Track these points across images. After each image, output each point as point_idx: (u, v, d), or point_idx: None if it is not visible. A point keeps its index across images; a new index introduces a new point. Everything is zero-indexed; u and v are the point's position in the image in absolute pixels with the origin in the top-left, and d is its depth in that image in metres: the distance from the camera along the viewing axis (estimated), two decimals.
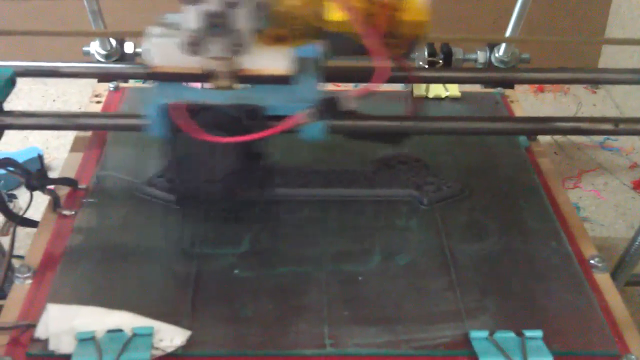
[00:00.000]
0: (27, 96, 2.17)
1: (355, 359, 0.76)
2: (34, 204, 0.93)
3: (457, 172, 1.04)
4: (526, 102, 2.28)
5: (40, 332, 0.75)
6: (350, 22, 0.77)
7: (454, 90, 1.25)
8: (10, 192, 1.69)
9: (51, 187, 0.95)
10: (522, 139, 1.14)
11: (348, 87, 1.17)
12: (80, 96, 2.19)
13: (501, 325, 0.79)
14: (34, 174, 0.92)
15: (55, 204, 0.94)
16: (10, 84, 0.92)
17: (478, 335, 0.77)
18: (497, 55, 1.45)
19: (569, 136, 2.05)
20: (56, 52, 1.66)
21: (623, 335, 0.80)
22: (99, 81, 1.24)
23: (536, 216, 0.97)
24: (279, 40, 0.81)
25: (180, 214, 0.95)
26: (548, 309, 0.83)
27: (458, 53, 1.41)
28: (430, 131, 0.98)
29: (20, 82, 0.95)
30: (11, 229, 0.92)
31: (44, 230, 0.91)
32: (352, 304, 0.82)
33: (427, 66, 1.37)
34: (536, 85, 2.32)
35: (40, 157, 1.80)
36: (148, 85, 1.29)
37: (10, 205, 0.95)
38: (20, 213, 0.94)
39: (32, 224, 0.95)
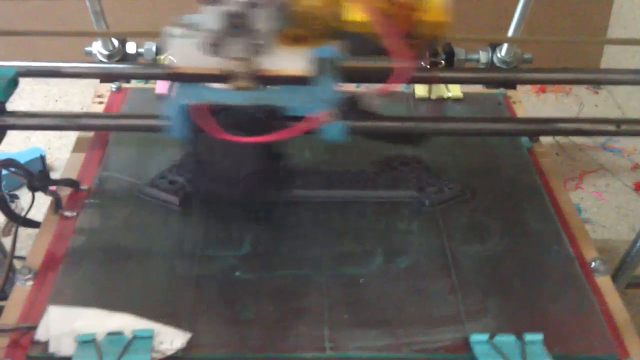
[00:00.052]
0: (29, 96, 2.17)
1: None
2: (36, 204, 0.93)
3: (458, 174, 1.04)
4: (528, 102, 2.27)
5: (40, 334, 0.75)
6: (370, 22, 0.76)
7: (456, 91, 1.25)
8: (12, 192, 1.69)
9: (53, 188, 0.95)
10: (524, 140, 1.14)
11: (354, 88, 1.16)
12: (83, 96, 2.19)
13: (501, 328, 0.79)
14: (36, 175, 0.92)
15: (57, 205, 0.94)
16: (13, 84, 0.92)
17: (478, 338, 0.77)
18: (499, 55, 1.45)
19: (570, 137, 2.04)
20: (58, 52, 1.66)
21: (623, 339, 0.80)
22: (101, 81, 1.24)
23: (538, 218, 0.97)
24: (297, 40, 0.81)
25: (182, 215, 0.95)
26: (548, 312, 0.83)
27: (460, 53, 1.41)
28: (449, 132, 0.99)
29: (23, 82, 0.95)
30: (13, 230, 0.92)
31: (46, 231, 0.92)
32: (353, 307, 0.82)
33: (428, 66, 1.36)
34: (538, 86, 2.32)
35: (42, 158, 1.82)
36: (150, 85, 1.29)
37: (12, 206, 0.95)
38: (22, 213, 0.94)
39: (34, 224, 0.95)
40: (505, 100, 1.26)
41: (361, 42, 0.79)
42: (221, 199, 0.96)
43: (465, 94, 1.25)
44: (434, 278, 0.87)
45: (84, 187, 0.99)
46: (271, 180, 0.94)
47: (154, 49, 1.41)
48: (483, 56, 1.44)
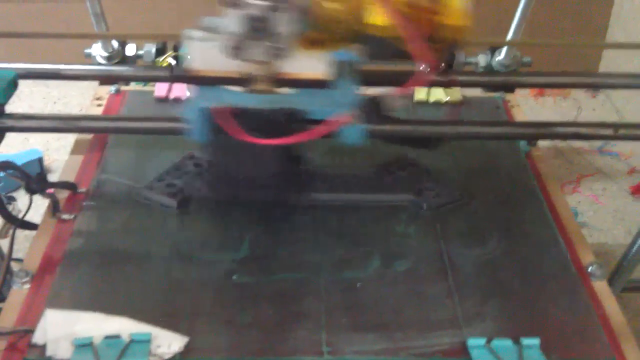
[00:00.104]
0: (28, 98, 2.17)
1: None
2: (33, 206, 0.93)
3: (456, 178, 1.04)
4: (526, 105, 2.28)
5: (38, 337, 0.75)
6: (391, 26, 0.76)
7: (454, 94, 1.25)
8: (9, 194, 1.69)
9: (51, 190, 0.95)
10: (522, 144, 1.14)
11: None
12: (82, 98, 2.19)
13: (499, 333, 0.79)
14: (34, 178, 0.92)
15: (54, 208, 0.94)
16: (13, 86, 0.92)
17: (475, 342, 0.77)
18: (498, 59, 1.45)
19: (568, 141, 2.05)
20: (58, 54, 1.66)
21: (620, 343, 0.80)
22: (100, 84, 1.24)
23: (535, 222, 0.98)
24: (317, 44, 0.81)
25: (180, 218, 0.95)
26: (545, 316, 0.83)
27: (460, 57, 1.41)
28: (469, 137, 1.01)
29: (22, 84, 0.95)
30: (10, 232, 0.92)
31: (43, 234, 0.92)
32: (351, 311, 0.82)
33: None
34: (536, 89, 2.32)
35: (40, 161, 1.82)
36: (149, 88, 1.29)
37: (10, 208, 0.95)
38: (19, 215, 0.94)
39: (31, 226, 0.95)
40: (504, 104, 1.26)
41: (381, 45, 0.79)
42: (240, 202, 0.97)
43: (464, 97, 1.25)
44: (431, 282, 0.87)
45: (81, 189, 0.99)
46: (291, 183, 0.95)
47: (153, 51, 1.41)
48: (482, 59, 1.45)
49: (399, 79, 0.84)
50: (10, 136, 0.95)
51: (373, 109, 0.83)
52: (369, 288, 0.85)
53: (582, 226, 1.47)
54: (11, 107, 0.93)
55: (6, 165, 0.90)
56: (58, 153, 1.92)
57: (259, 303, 0.82)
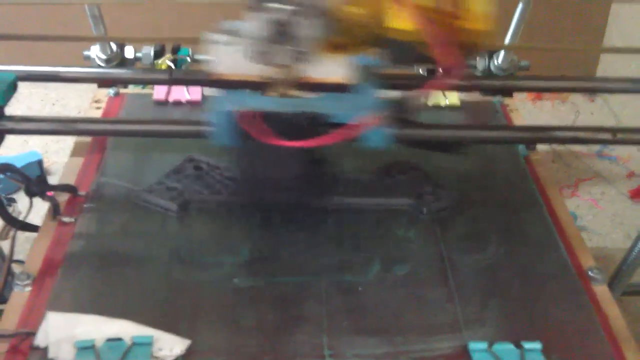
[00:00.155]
0: (26, 100, 2.17)
1: None
2: (33, 208, 0.92)
3: (456, 182, 1.04)
4: (524, 109, 2.28)
5: (39, 340, 0.75)
6: (414, 30, 0.76)
7: (453, 98, 1.25)
8: (9, 195, 1.69)
9: (51, 193, 0.95)
10: (521, 148, 1.14)
11: None
12: (80, 100, 2.19)
13: (500, 337, 0.79)
14: (34, 181, 0.92)
15: (55, 211, 0.94)
16: (12, 88, 0.92)
17: (477, 346, 0.77)
18: (496, 62, 1.45)
19: (566, 144, 2.05)
20: (56, 56, 1.66)
21: (621, 348, 0.80)
22: (99, 86, 1.24)
23: (535, 226, 0.98)
24: (339, 48, 0.81)
25: (180, 222, 0.95)
26: (546, 320, 0.83)
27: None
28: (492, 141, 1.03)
29: (21, 85, 0.95)
30: (10, 234, 0.92)
31: (44, 236, 0.91)
32: (352, 314, 0.82)
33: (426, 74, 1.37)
34: (534, 93, 2.32)
35: (39, 163, 1.82)
36: (148, 91, 1.29)
37: (10, 209, 0.95)
38: (20, 217, 0.94)
39: (32, 228, 0.95)
40: (502, 109, 1.26)
41: (403, 49, 0.79)
42: (264, 205, 0.97)
43: (462, 102, 1.25)
44: (432, 286, 0.87)
45: (81, 192, 0.99)
46: (314, 185, 0.96)
47: (151, 53, 1.41)
48: (480, 63, 1.45)
49: (419, 84, 0.84)
50: (9, 138, 0.95)
51: (398, 110, 0.82)
52: (370, 292, 0.85)
53: (581, 230, 1.48)
54: (10, 108, 0.92)
55: (6, 168, 0.90)
56: (57, 155, 1.92)
57: (260, 306, 0.82)
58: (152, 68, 1.37)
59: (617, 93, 2.06)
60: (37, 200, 0.93)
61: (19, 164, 1.68)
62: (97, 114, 1.19)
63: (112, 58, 1.40)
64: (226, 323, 0.80)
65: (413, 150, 1.00)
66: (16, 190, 1.71)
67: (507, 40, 1.43)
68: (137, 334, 0.76)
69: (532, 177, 1.08)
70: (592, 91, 2.22)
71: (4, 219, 0.90)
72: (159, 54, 1.43)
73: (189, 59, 1.44)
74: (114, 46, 1.40)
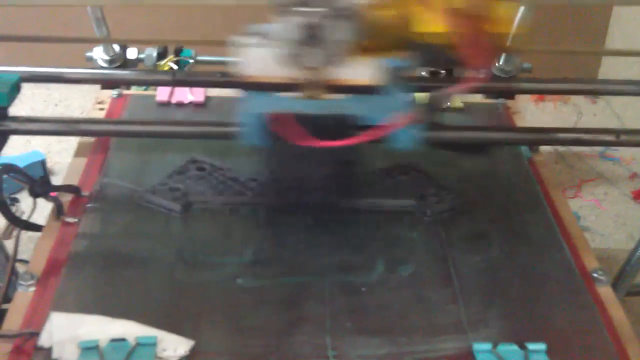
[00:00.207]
0: (29, 100, 2.17)
1: None
2: (36, 207, 0.93)
3: (459, 183, 1.04)
4: (526, 111, 2.28)
5: (43, 340, 0.75)
6: (443, 33, 0.76)
7: (456, 101, 1.25)
8: (12, 195, 1.69)
9: (54, 193, 0.95)
10: (525, 149, 1.14)
11: None
12: (83, 100, 2.19)
13: (504, 338, 0.79)
14: (38, 181, 0.92)
15: (58, 211, 0.94)
16: (16, 89, 0.92)
17: (481, 347, 0.77)
18: (498, 64, 1.45)
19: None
20: (59, 57, 1.66)
21: (625, 348, 0.80)
22: (102, 88, 1.24)
23: (539, 228, 0.98)
24: (368, 51, 0.81)
25: (184, 222, 0.95)
26: (551, 321, 0.83)
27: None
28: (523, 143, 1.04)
29: (24, 86, 0.95)
30: (14, 233, 0.92)
31: (47, 237, 0.91)
32: (355, 315, 0.82)
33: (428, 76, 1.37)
34: (536, 95, 2.32)
35: (42, 163, 1.81)
36: (150, 92, 1.29)
37: (13, 209, 0.95)
38: (23, 216, 0.94)
39: (36, 228, 0.95)
40: (505, 111, 1.26)
41: (431, 52, 0.80)
42: (292, 207, 0.98)
43: (465, 103, 1.25)
44: (436, 287, 0.87)
45: (85, 193, 0.99)
46: (343, 187, 0.97)
47: (154, 55, 1.42)
48: None
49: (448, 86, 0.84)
50: (12, 138, 0.95)
51: (427, 110, 0.82)
52: (374, 293, 0.85)
53: (584, 231, 1.48)
54: (13, 109, 0.93)
55: (10, 169, 0.90)
56: (60, 156, 1.93)
57: (263, 307, 0.82)
58: (155, 69, 1.38)
59: (619, 95, 2.05)
60: (40, 200, 0.93)
61: (21, 164, 1.68)
62: (100, 115, 1.19)
63: (114, 59, 1.40)
64: (230, 323, 0.80)
65: (415, 151, 1.01)
66: (19, 190, 1.70)
67: (508, 42, 1.43)
68: (141, 334, 0.76)
69: (535, 178, 1.08)
70: (594, 94, 2.22)
71: (8, 218, 0.90)
72: (161, 55, 1.43)
73: (191, 61, 1.45)
74: (116, 47, 1.40)
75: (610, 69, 2.39)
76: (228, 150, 1.07)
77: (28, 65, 1.05)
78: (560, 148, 2.06)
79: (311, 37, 0.76)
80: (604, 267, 0.91)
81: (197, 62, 1.48)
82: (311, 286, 0.86)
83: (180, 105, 1.21)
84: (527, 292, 0.87)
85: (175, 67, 1.44)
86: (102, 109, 1.21)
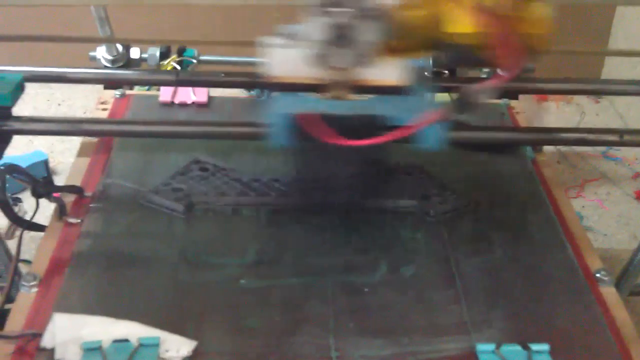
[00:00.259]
0: (32, 100, 2.18)
1: None
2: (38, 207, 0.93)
3: (462, 184, 1.04)
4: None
5: (46, 341, 0.75)
6: (474, 33, 0.76)
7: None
8: (14, 195, 1.70)
9: (57, 194, 0.95)
10: (528, 150, 1.14)
11: None
12: (86, 100, 2.19)
13: (507, 338, 0.79)
14: (41, 182, 0.92)
15: (61, 212, 0.94)
16: (20, 89, 0.92)
17: (484, 348, 0.77)
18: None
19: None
20: (56, 56, 1.66)
21: (629, 349, 0.80)
22: (105, 87, 1.24)
23: (542, 228, 0.97)
24: (396, 51, 0.81)
25: (186, 223, 0.95)
26: (554, 322, 0.83)
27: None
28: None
29: (27, 85, 0.95)
30: (16, 233, 0.92)
31: (50, 237, 0.91)
32: (358, 316, 0.82)
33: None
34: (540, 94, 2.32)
35: (45, 163, 1.82)
36: (154, 92, 1.29)
37: (15, 209, 0.95)
38: (25, 217, 0.94)
39: (39, 228, 0.95)
40: (509, 111, 1.26)
41: (459, 52, 0.79)
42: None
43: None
44: (439, 287, 0.86)
45: (88, 193, 0.99)
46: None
47: (157, 54, 1.42)
48: None
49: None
50: (14, 138, 0.95)
51: (463, 102, 0.82)
52: (377, 293, 0.85)
53: (586, 230, 1.48)
54: (15, 108, 0.93)
55: (13, 169, 0.90)
56: (63, 155, 1.93)
57: (266, 307, 0.82)
58: (159, 69, 1.38)
59: (622, 95, 2.05)
60: (43, 200, 0.93)
61: (24, 164, 1.68)
62: (103, 115, 1.19)
63: (118, 59, 1.41)
64: (233, 324, 0.80)
65: (417, 152, 1.00)
66: (22, 190, 1.71)
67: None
68: (144, 335, 0.76)
69: (538, 178, 1.08)
70: (597, 94, 2.21)
71: (10, 218, 0.90)
72: (164, 55, 1.44)
73: (194, 61, 1.45)
74: (119, 47, 1.41)
75: (614, 69, 2.38)
76: (231, 150, 1.08)
77: (31, 65, 1.05)
78: (563, 148, 2.06)
79: (340, 37, 0.76)
80: (607, 267, 0.91)
81: (200, 61, 1.48)
82: (314, 287, 0.86)
83: (183, 105, 1.21)
84: (530, 292, 0.87)
85: (178, 67, 1.44)
86: (105, 109, 1.20)
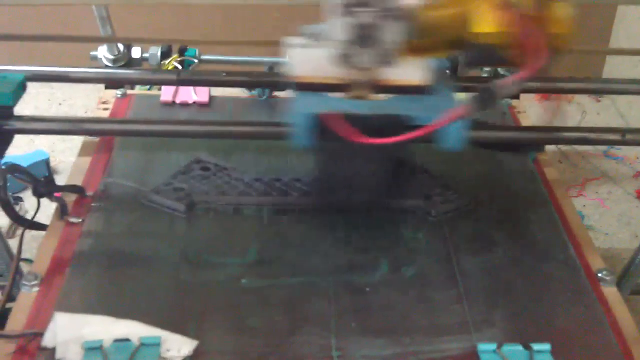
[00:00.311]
0: (34, 100, 2.18)
1: None
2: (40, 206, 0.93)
3: (464, 183, 1.04)
4: (531, 109, 2.27)
5: (47, 341, 0.75)
6: (499, 32, 0.76)
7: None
8: (16, 194, 1.70)
9: (59, 194, 0.95)
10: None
11: None
12: (87, 100, 2.19)
13: (509, 338, 0.79)
14: (42, 182, 0.92)
15: (62, 211, 0.94)
16: (22, 89, 0.92)
17: (486, 348, 0.76)
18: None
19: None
20: (56, 56, 1.66)
21: (631, 349, 0.80)
22: (106, 87, 1.24)
23: (544, 228, 0.97)
24: (419, 51, 0.81)
25: (188, 223, 0.95)
26: (556, 322, 0.83)
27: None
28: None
29: (28, 85, 0.95)
30: (18, 232, 0.92)
31: (52, 237, 0.91)
32: (360, 315, 0.82)
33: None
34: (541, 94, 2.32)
35: (47, 162, 1.82)
36: (155, 92, 1.29)
37: (17, 208, 0.95)
38: (27, 216, 0.94)
39: (40, 227, 0.95)
40: (510, 110, 1.26)
41: (482, 52, 0.79)
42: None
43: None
44: (440, 287, 0.86)
45: (89, 193, 0.99)
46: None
47: (158, 54, 1.42)
48: None
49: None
50: (16, 137, 0.95)
51: (488, 97, 0.81)
52: (379, 293, 0.85)
53: (588, 230, 1.48)
54: (17, 108, 0.93)
55: (14, 169, 0.90)
56: (64, 155, 1.93)
57: (268, 307, 0.82)
58: (161, 69, 1.38)
59: (624, 95, 2.05)
60: (44, 200, 0.93)
61: (26, 164, 1.69)
62: (105, 115, 1.19)
63: (119, 59, 1.41)
64: (234, 324, 0.80)
65: (419, 152, 1.00)
66: (23, 189, 1.71)
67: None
68: (145, 334, 0.75)
69: (540, 178, 1.08)
70: (599, 93, 2.21)
71: (12, 218, 0.90)
72: (166, 54, 1.44)
73: (196, 60, 1.45)
74: (121, 46, 1.41)
75: (615, 68, 2.38)
76: (232, 150, 1.08)
77: (33, 65, 1.05)
78: (564, 147, 2.06)
79: (364, 37, 0.76)
80: (608, 266, 0.91)
81: (202, 61, 1.48)
82: (315, 286, 0.86)
83: (184, 105, 1.21)
84: (531, 292, 0.87)
85: (179, 66, 1.44)
86: (106, 109, 1.20)
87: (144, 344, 0.75)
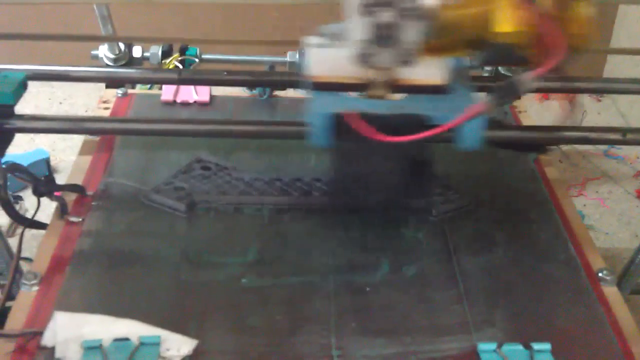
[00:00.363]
0: (34, 98, 2.18)
1: None
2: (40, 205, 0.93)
3: (465, 183, 1.04)
4: (531, 109, 2.27)
5: (47, 340, 0.75)
6: (518, 32, 0.76)
7: None
8: (16, 193, 1.70)
9: (58, 193, 0.95)
10: None
11: None
12: (88, 98, 2.20)
13: (509, 338, 0.79)
14: (42, 181, 0.92)
15: (62, 210, 0.94)
16: (22, 87, 0.92)
17: (486, 347, 0.76)
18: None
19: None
20: (56, 55, 1.66)
21: (631, 349, 0.80)
22: (107, 86, 1.24)
23: (544, 228, 0.97)
24: (437, 50, 0.81)
25: (188, 222, 0.95)
26: (556, 321, 0.83)
27: (465, 62, 1.41)
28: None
29: (28, 84, 0.95)
30: (18, 231, 0.92)
31: (51, 236, 0.91)
32: (360, 315, 0.82)
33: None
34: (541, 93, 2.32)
35: (47, 161, 1.82)
36: (155, 91, 1.29)
37: (17, 207, 0.95)
38: (26, 215, 0.94)
39: (40, 226, 0.95)
40: (511, 110, 1.26)
41: (500, 51, 0.79)
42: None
43: None
44: (441, 287, 0.86)
45: (89, 192, 0.99)
46: (415, 187, 0.96)
47: (159, 53, 1.42)
48: None
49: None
50: (16, 136, 0.95)
51: (509, 91, 0.81)
52: (379, 292, 0.85)
53: (588, 229, 1.48)
54: (17, 107, 0.93)
55: (14, 168, 0.90)
56: (64, 153, 1.93)
57: (268, 306, 0.82)
58: (162, 68, 1.38)
59: (625, 94, 2.05)
60: (44, 199, 0.93)
61: (26, 162, 1.69)
62: (105, 114, 1.19)
63: (120, 57, 1.41)
64: (234, 323, 0.80)
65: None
66: (23, 188, 1.71)
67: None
68: (145, 334, 0.75)
69: (541, 177, 1.08)
70: (600, 92, 2.21)
71: (12, 216, 0.90)
72: (166, 53, 1.43)
73: (196, 59, 1.45)
74: (122, 45, 1.40)
75: (616, 67, 2.38)
76: (233, 149, 1.07)
77: (33, 64, 1.05)
78: (564, 146, 2.06)
79: (384, 37, 0.76)
80: (608, 265, 0.91)
81: (202, 60, 1.48)
82: (316, 286, 0.86)
83: (185, 104, 1.21)
84: (532, 291, 0.87)
85: (180, 65, 1.44)
86: (106, 108, 1.20)
87: (143, 343, 0.74)
